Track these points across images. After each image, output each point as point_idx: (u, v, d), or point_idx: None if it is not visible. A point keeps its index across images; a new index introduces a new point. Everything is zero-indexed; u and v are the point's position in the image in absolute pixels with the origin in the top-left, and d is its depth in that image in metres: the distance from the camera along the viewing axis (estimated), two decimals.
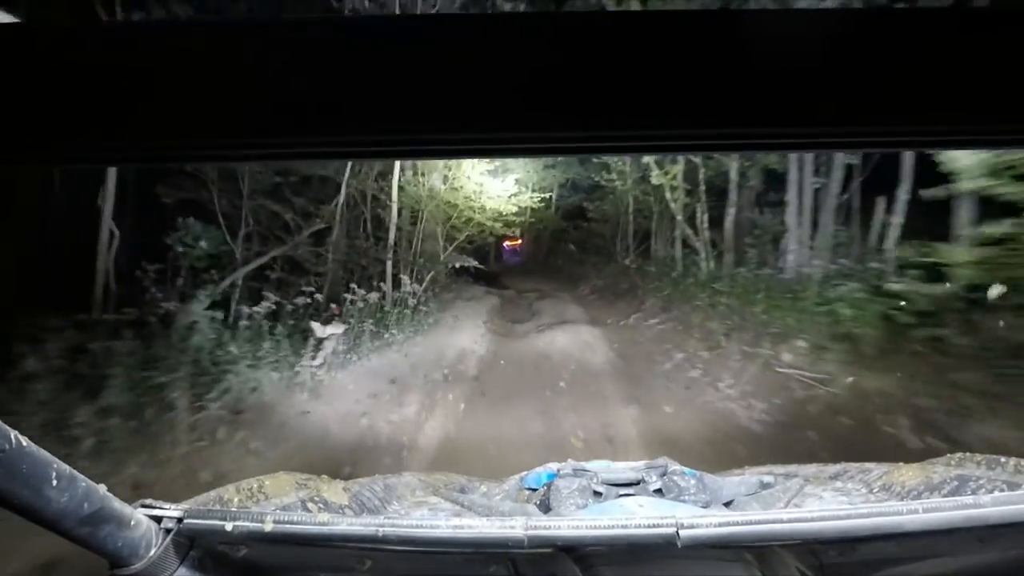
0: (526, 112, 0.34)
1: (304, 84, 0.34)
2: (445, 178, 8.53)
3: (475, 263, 9.60)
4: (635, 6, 7.19)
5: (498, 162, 8.60)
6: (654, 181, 8.86)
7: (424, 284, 8.05)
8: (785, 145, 0.42)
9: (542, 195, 10.49)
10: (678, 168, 8.67)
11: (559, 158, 10.92)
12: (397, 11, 7.10)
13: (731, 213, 8.42)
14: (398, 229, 8.12)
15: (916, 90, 0.33)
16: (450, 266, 9.28)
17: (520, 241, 17.63)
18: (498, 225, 9.85)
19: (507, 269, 16.56)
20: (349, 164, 6.94)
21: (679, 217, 9.00)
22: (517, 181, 9.38)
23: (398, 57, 0.34)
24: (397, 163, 7.14)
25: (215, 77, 0.34)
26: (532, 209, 10.94)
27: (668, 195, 8.86)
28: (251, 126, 0.34)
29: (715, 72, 0.34)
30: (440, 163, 7.85)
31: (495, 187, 9.00)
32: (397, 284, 7.47)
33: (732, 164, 8.17)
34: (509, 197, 9.24)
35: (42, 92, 0.33)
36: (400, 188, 7.99)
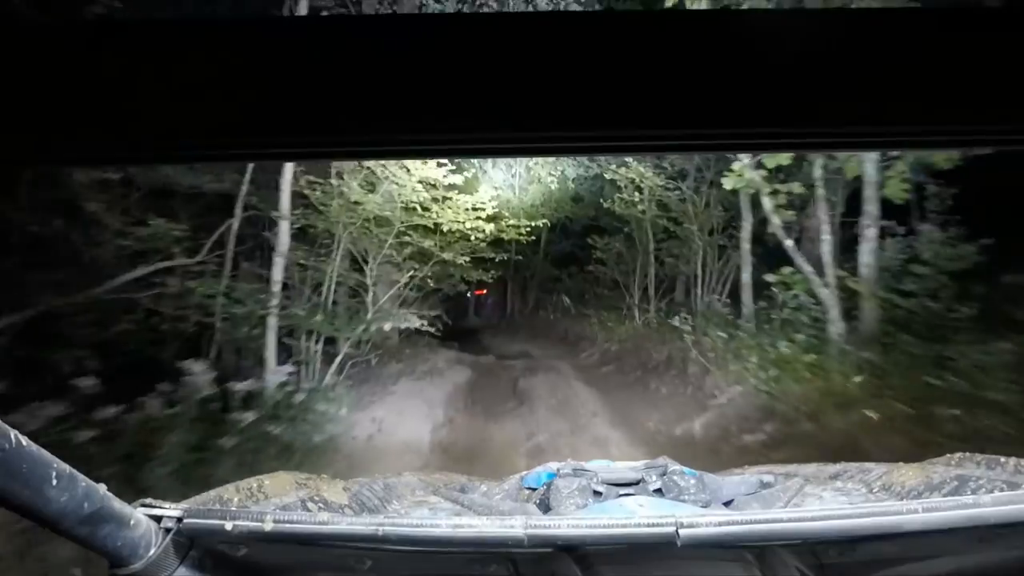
0: (526, 112, 0.34)
1: (304, 84, 0.34)
2: (374, 182, 5.29)
3: (423, 323, 6.01)
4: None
5: (468, 173, 5.89)
6: (729, 185, 5.22)
7: (338, 360, 5.07)
8: (785, 145, 0.42)
9: (531, 223, 7.60)
10: (784, 158, 4.70)
11: (555, 183, 9.59)
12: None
13: (870, 236, 4.76)
14: (300, 267, 5.36)
15: (916, 90, 0.33)
16: (381, 328, 5.73)
17: (485, 291, 14.21)
18: (463, 260, 6.34)
19: (487, 325, 13.64)
20: (248, 173, 5.01)
21: (787, 243, 5.15)
22: (497, 192, 6.59)
23: (398, 57, 0.34)
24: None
25: (215, 77, 0.34)
26: (518, 242, 7.99)
27: (768, 205, 5.14)
28: (250, 126, 0.34)
29: (715, 72, 0.34)
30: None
31: (459, 201, 5.89)
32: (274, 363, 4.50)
33: (867, 155, 4.45)
34: (489, 220, 6.10)
35: (42, 92, 0.33)
36: (299, 196, 5.13)
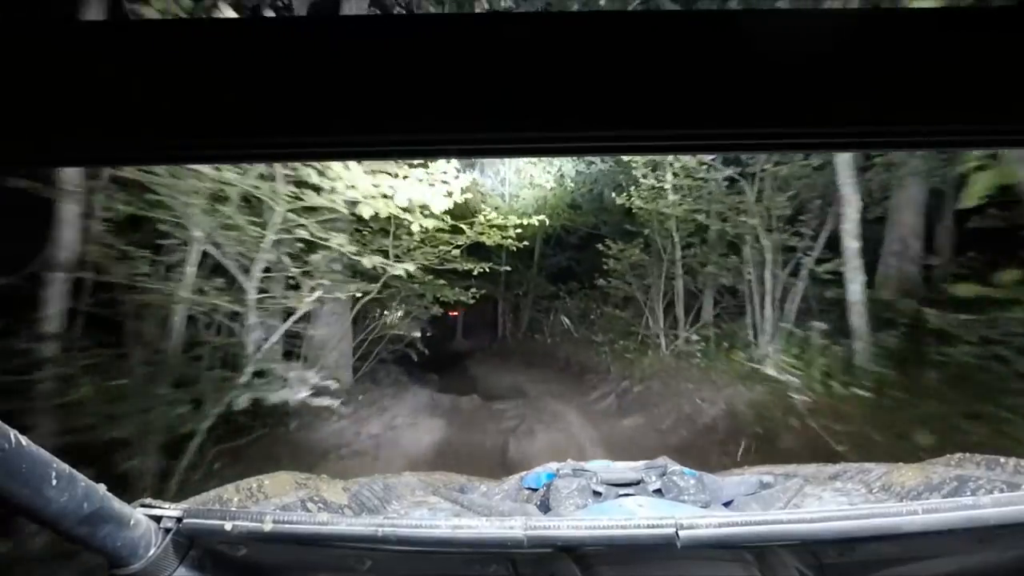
0: (526, 112, 0.34)
1: (304, 84, 0.34)
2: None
3: (331, 383, 3.99)
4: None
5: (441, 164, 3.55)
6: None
7: (191, 450, 2.65)
8: (786, 145, 0.42)
9: (521, 222, 5.54)
10: None
11: (551, 182, 8.90)
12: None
13: None
14: (129, 289, 2.91)
15: (915, 90, 0.33)
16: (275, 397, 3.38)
17: (464, 311, 12.41)
18: (405, 270, 3.99)
19: (475, 349, 12.03)
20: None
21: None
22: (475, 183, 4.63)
23: (397, 57, 0.34)
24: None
25: (214, 77, 0.34)
26: (509, 252, 6.33)
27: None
28: (250, 126, 0.34)
29: (715, 72, 0.34)
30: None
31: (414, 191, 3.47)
32: None
33: None
34: (455, 207, 3.75)
35: (41, 92, 0.33)
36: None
